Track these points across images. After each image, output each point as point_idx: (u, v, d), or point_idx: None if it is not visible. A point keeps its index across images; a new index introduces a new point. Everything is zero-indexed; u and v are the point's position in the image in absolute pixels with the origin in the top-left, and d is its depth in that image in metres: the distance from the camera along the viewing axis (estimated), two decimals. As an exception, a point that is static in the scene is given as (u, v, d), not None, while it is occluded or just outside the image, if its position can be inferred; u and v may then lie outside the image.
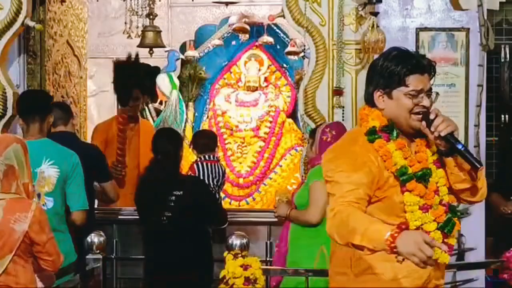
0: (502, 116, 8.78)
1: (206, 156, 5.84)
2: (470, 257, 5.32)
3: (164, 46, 7.51)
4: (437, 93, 2.81)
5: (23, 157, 3.43)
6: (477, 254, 5.34)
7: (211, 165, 5.79)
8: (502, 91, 8.76)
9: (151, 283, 4.73)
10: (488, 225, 5.48)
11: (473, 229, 5.37)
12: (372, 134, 2.77)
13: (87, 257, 4.00)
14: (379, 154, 2.73)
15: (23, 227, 3.28)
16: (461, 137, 5.39)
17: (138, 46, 7.19)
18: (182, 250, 4.59)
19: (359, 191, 2.67)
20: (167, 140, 4.79)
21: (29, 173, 3.45)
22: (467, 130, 5.39)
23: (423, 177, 2.72)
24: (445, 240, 2.73)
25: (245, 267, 3.60)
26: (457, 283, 5.36)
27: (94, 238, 3.70)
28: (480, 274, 5.33)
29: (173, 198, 4.60)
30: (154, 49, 7.46)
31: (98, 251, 3.65)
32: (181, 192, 4.62)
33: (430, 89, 2.76)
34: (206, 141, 5.93)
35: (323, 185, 2.90)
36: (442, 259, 2.69)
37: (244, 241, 3.55)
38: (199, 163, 5.79)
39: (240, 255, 3.77)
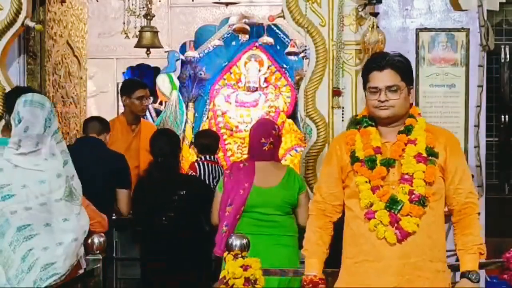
0: (502, 116, 8.79)
1: (207, 157, 5.84)
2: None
3: (161, 47, 7.51)
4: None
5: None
6: (477, 255, 5.33)
7: (211, 165, 5.80)
8: (502, 92, 8.77)
9: (149, 283, 4.73)
10: (488, 225, 5.47)
11: (473, 229, 5.37)
12: (351, 124, 3.15)
13: (87, 257, 4.01)
14: (346, 141, 3.06)
15: None
16: (461, 137, 5.40)
17: (135, 46, 7.20)
18: (181, 250, 4.59)
19: (330, 183, 3.12)
20: (166, 142, 4.80)
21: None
22: (467, 130, 5.39)
23: (370, 161, 2.96)
24: (398, 224, 2.91)
25: (245, 267, 3.60)
26: (457, 283, 5.36)
27: (94, 238, 3.70)
28: (480, 274, 5.33)
29: (176, 197, 4.62)
30: (153, 49, 7.46)
31: (98, 252, 3.65)
32: (184, 192, 4.63)
33: (394, 85, 2.93)
34: (208, 142, 5.94)
35: None
36: (390, 239, 2.90)
37: (244, 241, 3.55)
38: (200, 162, 5.80)
39: (240, 255, 3.76)
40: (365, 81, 3.04)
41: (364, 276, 2.97)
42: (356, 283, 2.99)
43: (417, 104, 5.41)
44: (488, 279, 5.45)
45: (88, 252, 3.81)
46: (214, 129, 7.82)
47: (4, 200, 3.07)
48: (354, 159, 3.02)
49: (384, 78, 2.94)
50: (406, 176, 2.95)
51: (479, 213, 3.08)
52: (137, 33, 6.98)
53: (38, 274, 3.01)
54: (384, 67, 2.95)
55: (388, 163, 2.96)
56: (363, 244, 2.97)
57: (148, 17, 6.94)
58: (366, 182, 2.97)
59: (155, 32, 7.09)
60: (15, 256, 3.01)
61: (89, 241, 3.70)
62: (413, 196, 2.93)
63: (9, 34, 5.28)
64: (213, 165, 5.82)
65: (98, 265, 3.53)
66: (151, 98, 6.01)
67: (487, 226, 5.45)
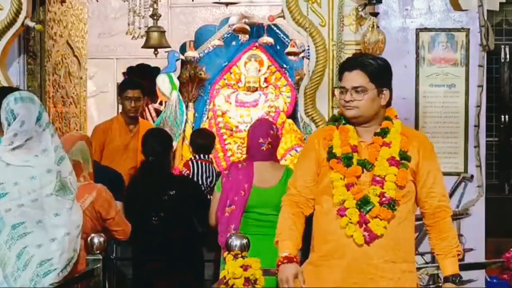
0: (502, 116, 8.79)
1: (201, 156, 5.85)
2: (470, 258, 5.32)
3: (169, 46, 7.47)
4: None
5: (88, 151, 4.03)
6: (477, 254, 5.33)
7: (205, 164, 5.80)
8: (502, 92, 8.77)
9: (141, 283, 4.72)
10: (488, 225, 5.48)
11: (473, 229, 5.37)
12: (330, 121, 3.16)
13: (87, 257, 4.01)
14: (324, 136, 3.08)
15: (87, 203, 3.87)
16: (461, 137, 5.41)
17: (143, 47, 7.16)
18: (172, 251, 4.58)
19: (306, 176, 3.12)
20: (158, 141, 4.80)
21: (91, 165, 4.03)
22: (467, 130, 5.39)
23: (346, 159, 2.99)
24: (367, 225, 2.93)
25: (245, 267, 3.60)
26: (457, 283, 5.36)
27: (94, 238, 3.70)
28: (480, 275, 5.33)
29: (166, 197, 4.61)
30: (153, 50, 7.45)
31: (98, 252, 3.65)
32: (174, 192, 4.62)
33: (359, 86, 2.97)
34: (203, 142, 5.94)
35: None
36: (358, 240, 2.94)
37: (244, 241, 3.55)
38: (194, 161, 5.80)
39: (240, 255, 3.76)
40: (339, 80, 3.12)
41: (327, 272, 3.00)
42: (319, 278, 3.02)
43: (417, 104, 5.42)
44: (488, 279, 5.45)
45: (88, 252, 3.81)
46: (214, 129, 7.82)
47: None
48: (331, 155, 3.03)
49: (351, 78, 2.98)
50: (378, 178, 2.97)
51: (452, 216, 3.09)
52: (142, 33, 6.95)
53: (34, 271, 3.06)
54: (353, 68, 2.98)
55: (364, 165, 2.99)
56: (331, 240, 2.99)
57: (155, 17, 6.91)
58: (341, 179, 2.99)
59: (162, 32, 7.06)
60: (11, 254, 3.06)
61: (89, 241, 3.71)
62: (384, 199, 2.95)
63: (9, 34, 5.28)
64: (207, 164, 5.82)
65: (98, 265, 3.53)
66: (144, 99, 5.96)
67: (487, 226, 5.46)
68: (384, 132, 3.02)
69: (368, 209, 2.94)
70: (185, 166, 5.84)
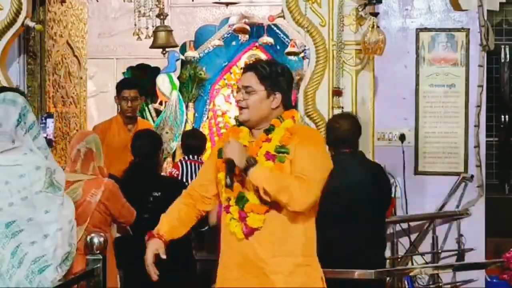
0: (502, 116, 8.79)
1: (191, 156, 5.85)
2: (470, 258, 5.32)
3: (176, 45, 7.43)
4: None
5: (100, 144, 4.11)
6: (477, 255, 5.34)
7: (195, 165, 5.79)
8: (502, 92, 8.77)
9: (129, 285, 4.69)
10: (488, 225, 5.48)
11: (473, 229, 5.38)
12: (236, 122, 3.24)
13: (87, 257, 4.01)
14: (224, 138, 3.21)
15: (96, 198, 3.94)
16: (461, 137, 5.41)
17: (151, 47, 7.13)
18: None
19: (204, 175, 3.29)
20: (145, 142, 4.79)
21: (103, 160, 4.10)
22: (467, 130, 5.39)
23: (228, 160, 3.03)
24: (245, 220, 3.02)
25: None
26: (457, 283, 5.37)
27: (94, 238, 3.70)
28: (480, 275, 5.33)
29: (151, 199, 4.60)
30: (154, 49, 7.44)
31: (98, 252, 3.65)
32: (159, 193, 4.61)
33: (248, 86, 3.07)
34: (195, 144, 5.93)
35: None
36: (238, 235, 3.04)
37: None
38: (183, 161, 5.80)
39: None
40: None
41: (228, 271, 3.12)
42: (226, 278, 3.13)
43: (417, 104, 5.42)
44: (488, 279, 5.45)
45: (88, 252, 3.81)
46: (214, 129, 7.82)
47: None
48: (219, 155, 3.12)
49: (243, 78, 3.11)
50: None
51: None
52: (150, 33, 6.92)
53: (28, 268, 3.09)
54: (248, 70, 3.12)
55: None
56: (223, 239, 3.16)
57: (161, 17, 6.89)
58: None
59: (169, 31, 7.03)
60: (5, 252, 3.09)
61: (89, 241, 3.71)
62: (258, 193, 3.01)
63: (9, 34, 5.28)
64: (197, 164, 5.81)
65: (98, 265, 3.53)
66: (142, 98, 5.94)
67: (487, 226, 5.46)
68: (269, 130, 3.08)
69: (242, 205, 3.03)
70: (175, 167, 5.85)
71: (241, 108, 3.10)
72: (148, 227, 4.55)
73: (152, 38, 6.94)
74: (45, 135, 5.23)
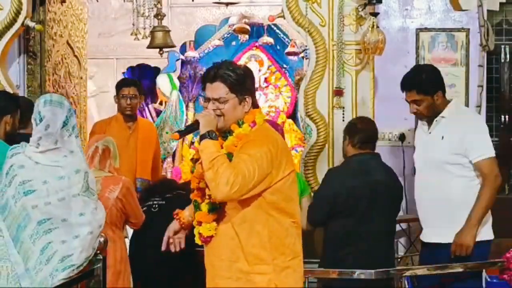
0: (502, 116, 8.78)
1: None
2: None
3: (174, 46, 7.45)
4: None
5: (116, 149, 4.23)
6: (477, 255, 5.33)
7: None
8: (502, 92, 8.75)
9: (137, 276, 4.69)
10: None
11: (473, 229, 5.36)
12: None
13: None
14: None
15: (114, 194, 4.06)
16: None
17: (148, 47, 7.14)
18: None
19: None
20: None
21: (118, 162, 4.25)
22: (467, 130, 5.39)
23: (193, 163, 3.16)
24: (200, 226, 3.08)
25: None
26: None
27: (94, 238, 3.72)
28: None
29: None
30: (153, 49, 7.44)
31: (98, 252, 3.66)
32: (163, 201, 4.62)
33: (220, 97, 3.06)
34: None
35: None
36: (198, 241, 3.12)
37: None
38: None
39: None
40: (202, 90, 3.23)
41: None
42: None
43: (417, 104, 5.42)
44: (488, 279, 5.44)
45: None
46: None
47: (26, 195, 3.22)
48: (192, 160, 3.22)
49: (212, 89, 3.10)
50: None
51: (231, 175, 2.93)
52: (147, 33, 6.93)
53: (55, 266, 3.18)
54: (214, 80, 3.10)
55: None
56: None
57: (159, 17, 6.89)
58: (197, 183, 3.15)
59: (167, 32, 7.03)
60: (35, 248, 3.18)
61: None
62: (208, 201, 3.07)
63: (9, 34, 5.28)
64: None
65: (98, 265, 3.53)
66: (141, 97, 5.94)
67: (487, 226, 5.44)
68: (225, 137, 3.10)
69: (195, 212, 3.13)
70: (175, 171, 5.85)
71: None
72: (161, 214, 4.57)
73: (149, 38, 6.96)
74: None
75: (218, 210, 3.05)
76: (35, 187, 3.22)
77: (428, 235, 4.16)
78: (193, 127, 3.03)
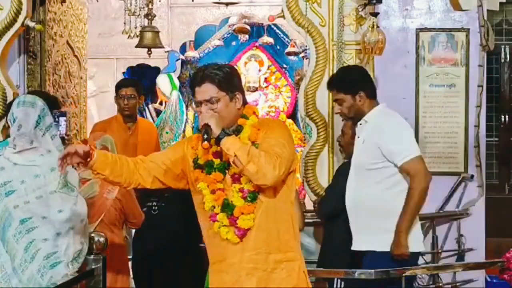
0: (502, 116, 8.79)
1: None
2: (470, 258, 5.32)
3: (162, 47, 7.49)
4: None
5: (115, 148, 4.26)
6: (477, 255, 5.33)
7: None
8: (502, 92, 8.77)
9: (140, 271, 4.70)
10: (488, 225, 5.48)
11: (473, 229, 5.37)
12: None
13: (87, 257, 4.02)
14: (192, 145, 3.17)
15: (113, 195, 4.08)
16: (461, 137, 5.40)
17: (137, 46, 7.18)
18: (171, 240, 4.56)
19: (159, 156, 3.22)
20: None
21: None
22: (467, 130, 5.39)
23: (208, 167, 3.09)
24: (236, 223, 3.01)
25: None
26: (457, 283, 5.37)
27: (94, 238, 3.72)
28: (480, 275, 5.33)
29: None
30: (153, 49, 7.45)
31: (98, 252, 3.67)
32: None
33: (211, 97, 3.05)
34: None
35: None
36: (233, 240, 3.03)
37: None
38: None
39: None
40: (192, 95, 3.22)
41: (221, 275, 3.11)
42: (218, 282, 3.13)
43: (417, 104, 5.42)
44: (488, 279, 5.45)
45: (91, 253, 3.83)
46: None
47: (7, 196, 3.29)
48: (196, 165, 3.13)
49: (201, 92, 3.08)
50: (236, 176, 3.05)
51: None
52: (138, 33, 6.95)
53: (41, 263, 3.25)
54: (202, 82, 3.09)
55: (224, 167, 3.08)
56: (215, 245, 3.11)
57: (149, 17, 6.92)
58: (208, 186, 3.09)
59: (156, 32, 7.06)
60: (19, 247, 3.25)
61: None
62: (243, 193, 3.03)
63: (9, 34, 5.28)
64: None
65: (98, 265, 3.54)
66: (141, 98, 5.94)
67: (487, 226, 5.46)
68: (238, 130, 3.10)
69: (230, 212, 3.04)
70: None
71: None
72: (161, 215, 4.56)
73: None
74: (57, 132, 5.25)
75: (257, 198, 3.02)
76: (14, 188, 3.28)
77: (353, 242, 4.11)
78: (208, 131, 2.98)
